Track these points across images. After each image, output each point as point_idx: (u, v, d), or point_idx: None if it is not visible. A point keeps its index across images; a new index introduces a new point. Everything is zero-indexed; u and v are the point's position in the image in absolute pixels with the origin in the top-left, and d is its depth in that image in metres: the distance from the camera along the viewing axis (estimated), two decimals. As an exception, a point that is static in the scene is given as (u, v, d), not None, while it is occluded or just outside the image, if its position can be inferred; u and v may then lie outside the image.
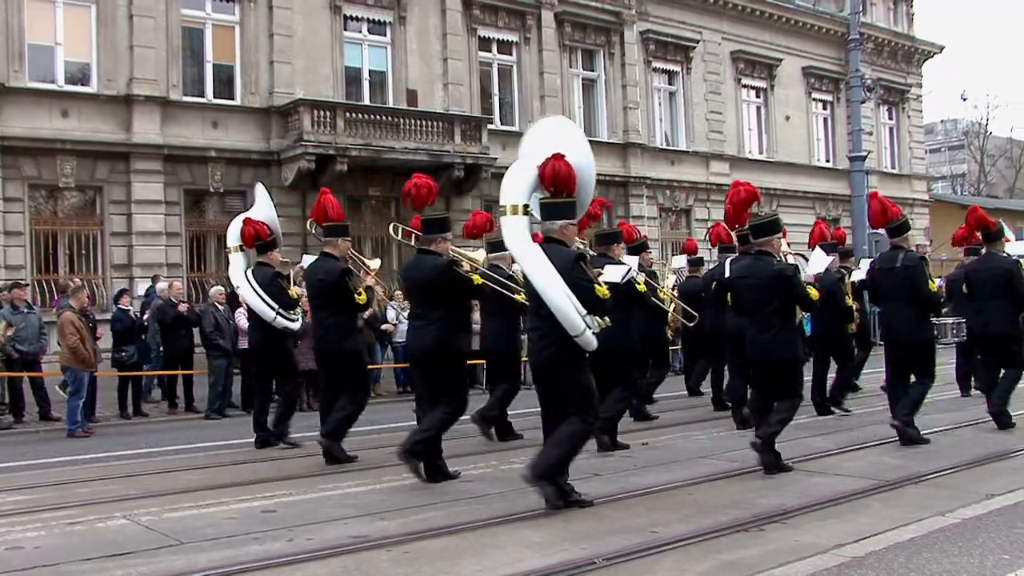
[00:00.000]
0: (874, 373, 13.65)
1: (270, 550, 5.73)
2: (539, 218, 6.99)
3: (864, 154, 29.03)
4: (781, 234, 8.69)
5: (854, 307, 12.04)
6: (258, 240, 10.59)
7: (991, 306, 10.32)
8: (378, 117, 22.31)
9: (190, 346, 15.59)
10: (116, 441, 12.16)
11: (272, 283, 10.36)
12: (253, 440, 10.63)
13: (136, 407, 15.04)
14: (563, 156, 6.84)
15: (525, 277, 6.94)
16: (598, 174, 21.63)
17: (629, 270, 8.86)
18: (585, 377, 6.82)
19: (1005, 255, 10.68)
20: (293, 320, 10.56)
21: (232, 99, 21.71)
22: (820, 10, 35.35)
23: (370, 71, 23.81)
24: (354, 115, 21.89)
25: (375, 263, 10.76)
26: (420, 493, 7.44)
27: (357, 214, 22.88)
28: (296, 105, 21.32)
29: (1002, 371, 10.25)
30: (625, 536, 5.83)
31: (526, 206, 6.86)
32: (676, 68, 30.36)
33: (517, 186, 6.90)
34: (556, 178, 6.80)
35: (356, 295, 9.23)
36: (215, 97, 21.57)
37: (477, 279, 8.34)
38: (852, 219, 29.42)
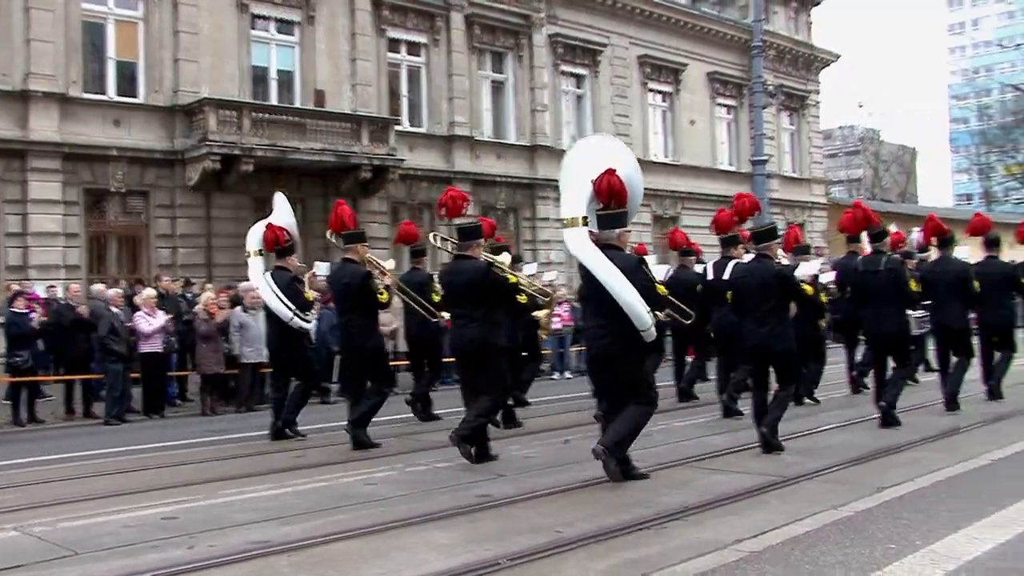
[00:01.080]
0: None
1: (169, 558, 5.62)
2: (595, 228, 7.64)
3: (766, 158, 29.49)
4: (779, 239, 9.56)
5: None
6: (278, 245, 11.33)
7: (950, 304, 11.47)
8: (285, 117, 21.99)
9: (89, 350, 15.15)
10: (9, 449, 11.81)
11: (290, 286, 11.07)
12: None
13: (31, 414, 14.63)
14: (615, 171, 7.52)
15: (588, 277, 7.61)
16: (507, 177, 22.55)
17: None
18: (642, 366, 7.73)
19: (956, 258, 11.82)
20: (308, 321, 11.44)
21: (135, 97, 21.22)
22: (725, 17, 35.96)
23: (277, 71, 23.46)
24: (260, 115, 21.54)
25: (390, 263, 11.27)
26: (324, 497, 7.38)
27: (262, 215, 22.26)
28: (201, 104, 20.92)
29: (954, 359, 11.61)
30: (530, 536, 5.84)
31: (585, 218, 7.56)
32: (584, 71, 30.58)
33: (576, 200, 7.61)
34: (611, 192, 7.49)
35: (379, 295, 10.04)
36: (117, 95, 21.06)
37: (512, 279, 9.18)
38: (753, 221, 29.77)
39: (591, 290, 7.71)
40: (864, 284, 10.58)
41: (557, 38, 29.27)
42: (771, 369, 9.08)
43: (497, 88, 28.16)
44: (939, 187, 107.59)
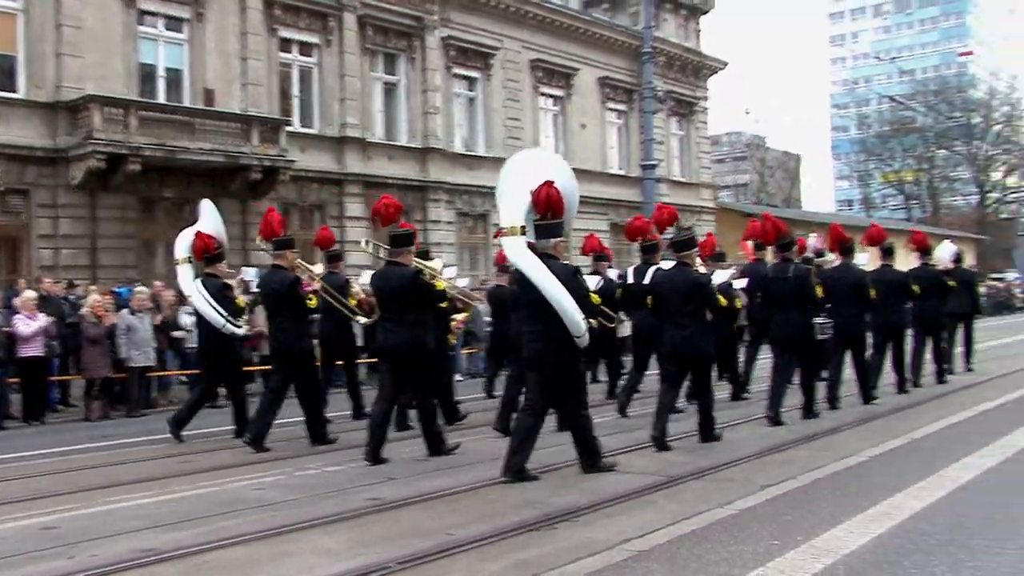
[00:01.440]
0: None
1: (50, 569, 5.53)
2: (533, 237, 8.02)
3: (655, 163, 30.01)
4: (697, 248, 10.04)
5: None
6: (207, 253, 11.37)
7: (848, 309, 12.18)
8: (173, 116, 21.50)
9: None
10: None
11: (221, 293, 11.21)
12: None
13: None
14: (553, 183, 7.92)
15: (525, 283, 7.97)
16: (399, 179, 22.65)
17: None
18: (578, 369, 8.18)
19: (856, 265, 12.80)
20: (239, 327, 11.44)
21: (14, 92, 20.50)
22: (616, 23, 36.43)
23: (166, 68, 22.89)
24: (148, 113, 21.00)
25: (318, 268, 11.84)
26: (212, 502, 7.32)
27: (150, 216, 22.15)
28: (86, 101, 20.34)
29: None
30: (420, 539, 5.88)
31: (523, 227, 7.97)
32: (476, 74, 30.66)
33: (515, 210, 8.04)
34: (549, 203, 7.90)
35: (308, 300, 10.42)
36: (-5, 89, 20.40)
37: (440, 284, 9.59)
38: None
39: (527, 296, 8.02)
40: (773, 290, 11.27)
41: (450, 41, 29.30)
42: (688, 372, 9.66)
43: (389, 90, 28.03)
44: (822, 193, 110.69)
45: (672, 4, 38.99)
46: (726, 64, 41.80)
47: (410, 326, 9.10)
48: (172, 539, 6.10)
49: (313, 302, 10.57)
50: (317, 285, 10.94)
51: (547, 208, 7.91)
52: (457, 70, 29.91)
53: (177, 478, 8.42)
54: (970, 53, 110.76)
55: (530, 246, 7.98)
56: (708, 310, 9.68)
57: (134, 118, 20.50)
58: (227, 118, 22.44)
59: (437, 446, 9.22)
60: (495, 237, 8.41)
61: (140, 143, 20.38)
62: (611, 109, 36.22)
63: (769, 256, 12.34)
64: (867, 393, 12.30)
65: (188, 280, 11.59)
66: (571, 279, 7.87)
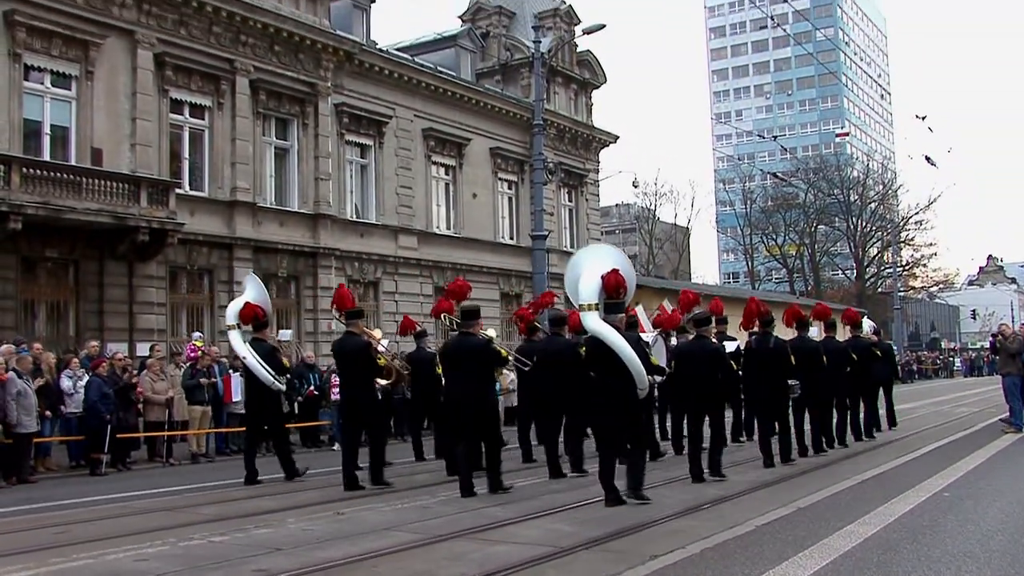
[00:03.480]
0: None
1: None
2: (604, 312, 10.00)
3: (545, 233, 30.33)
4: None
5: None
6: (256, 320, 13.47)
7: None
8: (59, 174, 20.93)
9: None
10: None
11: (270, 355, 13.26)
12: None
13: None
14: (618, 271, 10.00)
15: (599, 346, 9.90)
16: (290, 245, 23.29)
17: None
18: (639, 415, 10.34)
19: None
20: (283, 384, 13.70)
21: None
22: (507, 95, 37.06)
23: (51, 126, 22.40)
24: (32, 171, 20.43)
25: (378, 332, 14.03)
26: None
27: (31, 276, 21.57)
28: (-34, 157, 19.81)
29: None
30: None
31: (596, 303, 9.95)
32: (369, 142, 30.82)
33: (589, 291, 10.05)
34: (617, 286, 9.93)
35: (377, 361, 12.54)
36: None
37: (504, 352, 11.95)
38: (533, 295, 30.57)
39: (601, 357, 9.87)
40: (753, 359, 13.36)
41: (343, 108, 29.44)
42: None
43: (281, 154, 27.92)
44: (709, 265, 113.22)
45: (563, 78, 39.89)
46: (617, 138, 42.77)
47: (477, 382, 11.05)
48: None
49: (382, 361, 12.73)
50: (381, 348, 12.96)
51: (615, 290, 9.90)
52: (349, 137, 30.03)
53: (49, 550, 8.14)
54: (847, 134, 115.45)
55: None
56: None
57: (17, 175, 19.92)
58: (115, 178, 21.93)
59: (497, 484, 11.06)
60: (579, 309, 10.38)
61: (23, 200, 19.80)
62: (502, 179, 36.72)
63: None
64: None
65: (240, 343, 13.46)
66: (636, 345, 10.01)
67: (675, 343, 14.76)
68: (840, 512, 9.10)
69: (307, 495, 11.64)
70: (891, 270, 74.47)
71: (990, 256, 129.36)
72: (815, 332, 15.86)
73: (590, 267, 10.28)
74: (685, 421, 13.43)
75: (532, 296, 30.61)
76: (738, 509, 9.58)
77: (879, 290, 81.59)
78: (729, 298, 32.01)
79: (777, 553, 7.25)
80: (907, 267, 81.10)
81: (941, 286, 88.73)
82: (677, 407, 14.64)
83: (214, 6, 25.02)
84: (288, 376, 14.99)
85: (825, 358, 14.31)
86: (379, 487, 11.89)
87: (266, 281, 25.97)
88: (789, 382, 13.26)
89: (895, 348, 34.74)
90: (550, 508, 9.78)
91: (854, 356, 15.86)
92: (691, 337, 13.00)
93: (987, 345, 29.11)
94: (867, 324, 19.50)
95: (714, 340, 13.22)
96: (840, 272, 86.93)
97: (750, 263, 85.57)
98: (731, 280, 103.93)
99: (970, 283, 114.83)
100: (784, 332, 14.99)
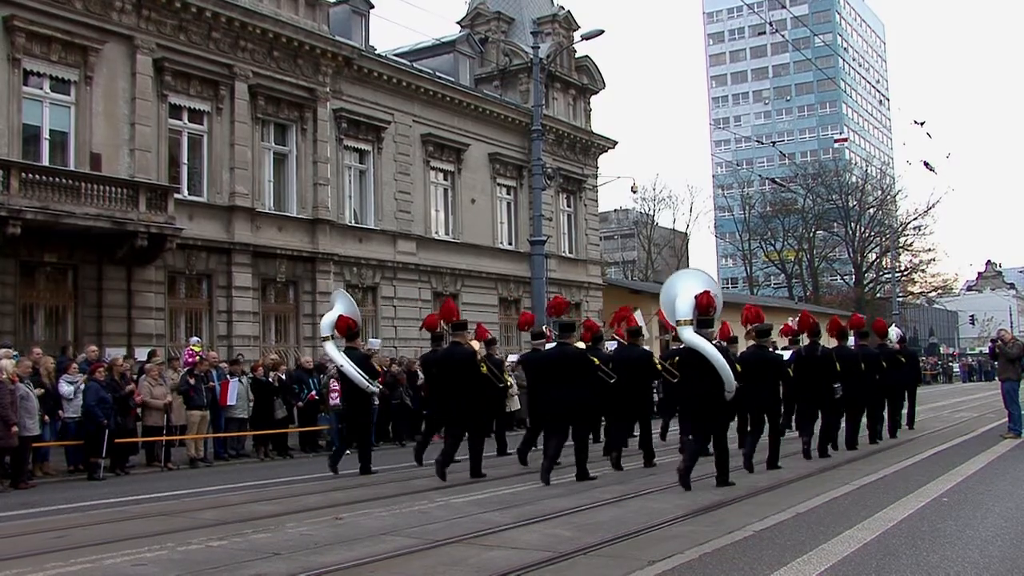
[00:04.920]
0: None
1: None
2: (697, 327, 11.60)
3: (544, 238, 30.35)
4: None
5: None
6: (350, 331, 15.04)
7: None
8: (58, 179, 20.93)
9: None
10: None
11: (363, 362, 14.90)
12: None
13: None
14: (709, 292, 11.67)
15: (694, 355, 11.58)
16: (288, 250, 23.67)
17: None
18: (724, 412, 11.84)
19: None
20: (375, 387, 15.30)
21: None
22: (506, 100, 37.10)
23: (51, 131, 22.39)
24: (31, 176, 20.45)
25: (477, 344, 14.88)
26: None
27: (30, 281, 21.56)
28: (-36, 161, 19.79)
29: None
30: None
31: (691, 320, 11.51)
32: (367, 147, 30.84)
33: (687, 309, 11.59)
34: (708, 305, 11.56)
35: (480, 368, 13.96)
36: None
37: (596, 361, 13.22)
38: (532, 301, 30.64)
39: (695, 364, 11.57)
40: (751, 368, 13.44)
41: (342, 113, 29.46)
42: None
43: (280, 160, 27.93)
44: (708, 270, 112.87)
45: (562, 83, 39.92)
46: (615, 143, 42.80)
47: (579, 388, 12.56)
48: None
49: (484, 369, 14.10)
50: (480, 356, 14.32)
51: (706, 309, 11.52)
52: (348, 142, 30.06)
53: (48, 555, 8.13)
54: (845, 140, 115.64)
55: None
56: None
57: (16, 180, 19.96)
58: (114, 183, 21.95)
59: (584, 474, 12.66)
60: (676, 324, 12.02)
61: (22, 206, 19.81)
62: (501, 184, 36.75)
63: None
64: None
65: (336, 352, 14.88)
66: (725, 354, 11.67)
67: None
68: (839, 517, 9.10)
69: (306, 500, 11.63)
70: (890, 275, 74.44)
71: (989, 261, 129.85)
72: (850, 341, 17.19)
73: (684, 288, 11.92)
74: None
75: (531, 301, 30.71)
76: (737, 514, 9.56)
77: (878, 295, 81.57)
78: (728, 303, 32.00)
79: (776, 559, 7.24)
80: (906, 272, 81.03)
81: (940, 291, 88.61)
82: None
83: (213, 11, 25.05)
84: (381, 380, 17.27)
85: (862, 364, 16.15)
86: (477, 479, 13.13)
87: (264, 286, 26.16)
88: (834, 385, 14.93)
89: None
90: (548, 513, 9.78)
91: (884, 363, 17.71)
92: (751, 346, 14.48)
93: (985, 351, 29.55)
94: (895, 332, 21.34)
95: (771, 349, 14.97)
96: (839, 277, 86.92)
97: (749, 268, 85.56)
98: (730, 286, 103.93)
99: (969, 288, 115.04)
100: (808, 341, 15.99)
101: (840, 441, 16.07)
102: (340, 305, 15.55)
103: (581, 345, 14.06)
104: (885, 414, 18.37)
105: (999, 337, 18.91)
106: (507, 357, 23.60)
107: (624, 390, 13.96)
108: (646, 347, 15.49)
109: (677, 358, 12.71)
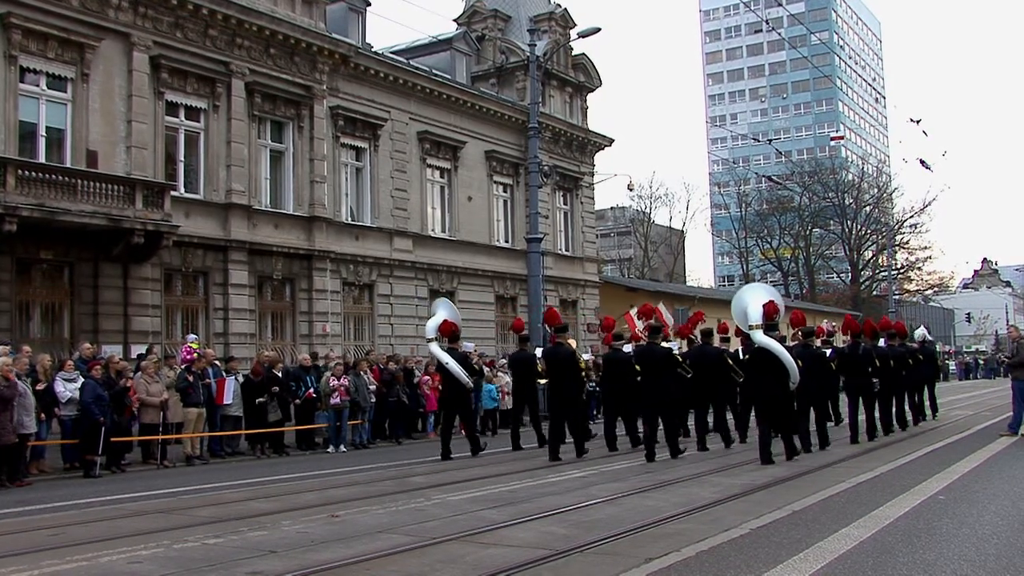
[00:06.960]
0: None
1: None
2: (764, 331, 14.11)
3: (540, 236, 30.30)
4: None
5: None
6: (453, 333, 17.38)
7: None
8: (54, 176, 20.88)
9: None
10: None
11: (463, 360, 17.26)
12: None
13: None
14: (773, 301, 14.28)
15: (763, 352, 14.09)
16: (285, 247, 23.73)
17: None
18: (791, 400, 14.48)
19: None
20: (472, 383, 17.50)
21: None
22: (503, 98, 37.09)
23: (47, 128, 22.36)
24: (27, 173, 20.39)
25: (573, 342, 16.78)
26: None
27: (26, 278, 21.53)
28: (-39, 158, 19.72)
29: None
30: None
31: (759, 324, 13.95)
32: (364, 145, 30.82)
33: (756, 314, 14.01)
34: (773, 313, 14.12)
35: (580, 364, 16.39)
36: None
37: (678, 358, 15.79)
38: (528, 298, 30.62)
39: (765, 361, 13.98)
40: (755, 362, 14.90)
41: (338, 110, 29.44)
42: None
43: (276, 157, 27.90)
44: (704, 268, 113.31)
45: (559, 81, 39.92)
46: (612, 141, 42.82)
47: (666, 382, 14.98)
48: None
49: (583, 364, 16.51)
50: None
51: (771, 315, 14.05)
52: (345, 140, 30.04)
53: (44, 552, 8.11)
54: (841, 137, 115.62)
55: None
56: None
57: (12, 177, 19.91)
58: (110, 180, 21.91)
59: (676, 450, 15.18)
60: (749, 329, 14.39)
61: (18, 203, 19.78)
62: (497, 182, 36.74)
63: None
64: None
65: (441, 351, 17.06)
66: (790, 351, 14.31)
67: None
68: (835, 515, 9.10)
69: (302, 497, 11.63)
70: (886, 273, 74.48)
71: (985, 259, 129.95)
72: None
73: (753, 299, 14.39)
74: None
75: (527, 299, 30.70)
76: (733, 512, 9.55)
77: (874, 293, 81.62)
78: (724, 301, 32.01)
79: (772, 556, 7.24)
80: (902, 270, 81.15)
81: (936, 289, 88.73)
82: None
83: (210, 9, 25.03)
84: (478, 376, 19.77)
85: (892, 361, 18.51)
86: (581, 458, 15.42)
87: (260, 284, 26.13)
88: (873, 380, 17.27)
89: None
90: (545, 511, 9.77)
91: (910, 360, 20.11)
92: (798, 343, 16.56)
93: (982, 348, 30.13)
94: (920, 332, 25.51)
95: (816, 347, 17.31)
96: (835, 275, 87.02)
97: (745, 266, 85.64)
98: (726, 283, 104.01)
99: (965, 286, 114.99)
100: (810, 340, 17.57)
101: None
102: (443, 311, 17.72)
103: (627, 349, 17.20)
104: (906, 405, 20.40)
105: (1017, 337, 18.09)
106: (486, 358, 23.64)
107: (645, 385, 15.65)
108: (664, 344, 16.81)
109: (747, 356, 15.48)
